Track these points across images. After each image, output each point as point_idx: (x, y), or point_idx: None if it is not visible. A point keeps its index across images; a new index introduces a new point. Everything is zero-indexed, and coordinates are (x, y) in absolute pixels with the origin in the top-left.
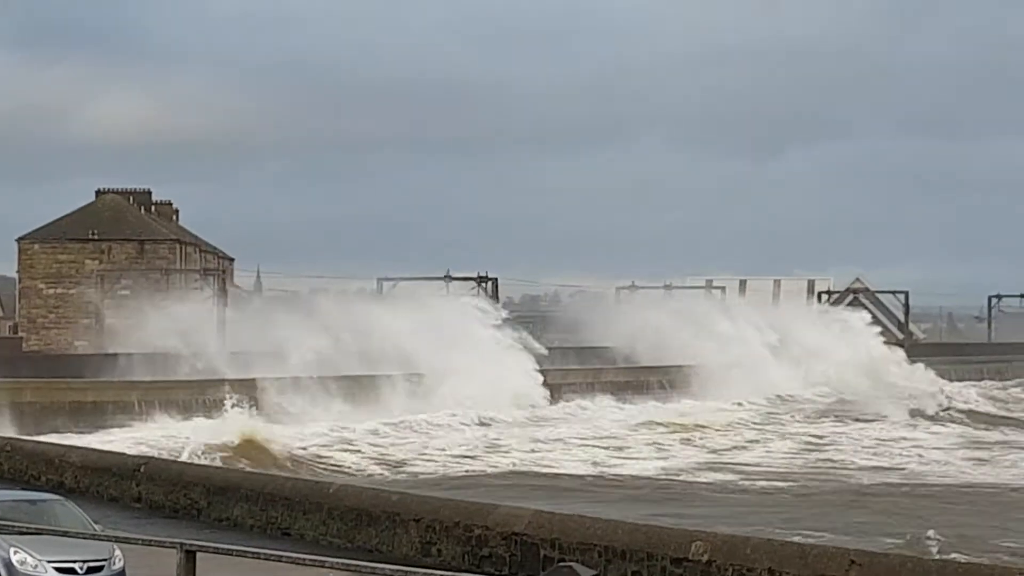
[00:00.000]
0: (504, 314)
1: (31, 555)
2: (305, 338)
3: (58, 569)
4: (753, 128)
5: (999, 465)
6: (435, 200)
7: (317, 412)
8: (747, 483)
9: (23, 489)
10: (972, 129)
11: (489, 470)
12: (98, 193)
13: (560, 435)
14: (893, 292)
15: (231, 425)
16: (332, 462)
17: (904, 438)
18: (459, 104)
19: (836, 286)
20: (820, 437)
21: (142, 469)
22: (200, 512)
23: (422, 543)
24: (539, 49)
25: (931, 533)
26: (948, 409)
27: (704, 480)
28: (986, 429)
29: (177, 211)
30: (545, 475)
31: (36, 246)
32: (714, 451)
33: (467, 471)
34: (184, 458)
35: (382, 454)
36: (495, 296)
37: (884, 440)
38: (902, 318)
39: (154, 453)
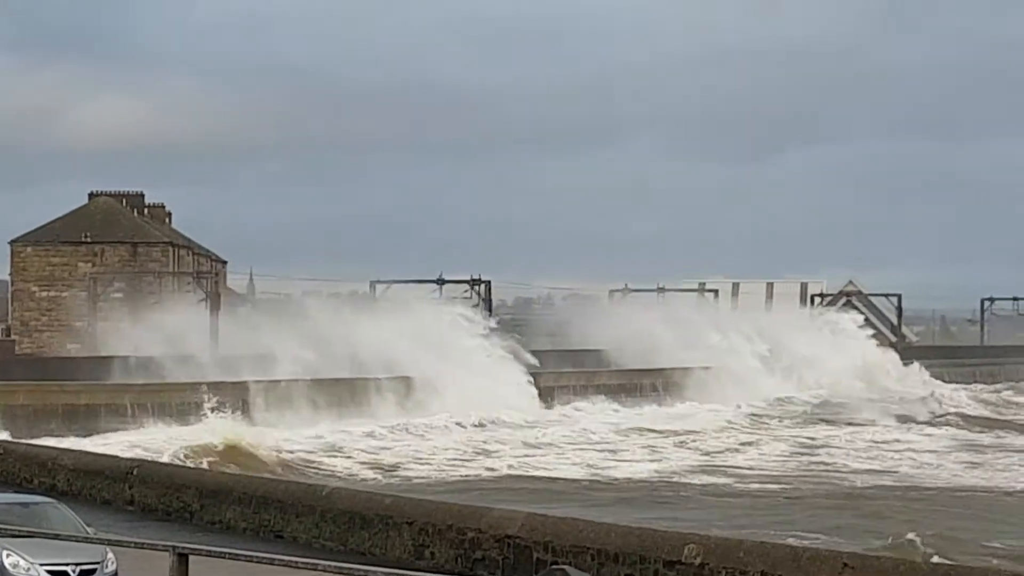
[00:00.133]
0: (492, 323)
1: (23, 558)
2: (291, 348)
3: (50, 572)
4: (748, 130)
5: (992, 468)
6: (429, 202)
7: (307, 416)
8: (740, 486)
9: (15, 492)
10: (965, 131)
11: (483, 474)
12: (91, 196)
13: (553, 439)
14: (886, 295)
15: (218, 429)
16: (323, 467)
17: (898, 440)
18: (454, 106)
19: (829, 289)
20: (813, 440)
21: (135, 472)
22: (193, 515)
23: (415, 546)
24: (534, 50)
25: (911, 535)
26: (943, 416)
27: (698, 482)
28: (978, 432)
29: (170, 214)
30: (538, 479)
31: (29, 249)
32: (707, 453)
33: (462, 476)
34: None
35: (374, 459)
36: (488, 299)
37: (878, 442)
38: (895, 321)
39: (148, 456)
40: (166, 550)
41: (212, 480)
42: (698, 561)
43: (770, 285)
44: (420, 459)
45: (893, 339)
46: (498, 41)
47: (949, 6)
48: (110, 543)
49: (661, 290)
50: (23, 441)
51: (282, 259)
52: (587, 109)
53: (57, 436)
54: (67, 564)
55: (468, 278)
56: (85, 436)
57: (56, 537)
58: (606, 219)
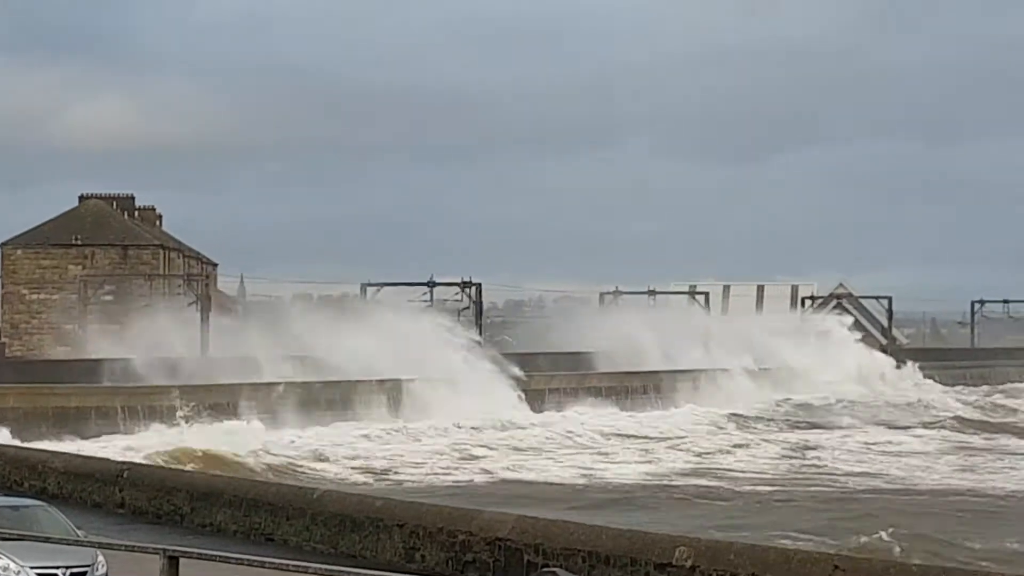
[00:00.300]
0: (474, 334)
1: (14, 561)
2: (277, 358)
3: (41, 575)
4: (743, 131)
5: (982, 471)
6: (421, 204)
7: (295, 420)
8: (732, 488)
9: (5, 495)
10: (958, 133)
11: (473, 479)
12: (81, 198)
13: (542, 443)
14: (877, 297)
15: (205, 434)
16: (311, 471)
17: (889, 442)
18: (451, 107)
19: (820, 291)
20: (804, 443)
21: (125, 475)
22: (183, 518)
23: (406, 549)
24: (532, 51)
25: (882, 534)
26: (938, 422)
27: (689, 485)
28: (969, 435)
29: (160, 216)
30: (528, 482)
31: (19, 251)
32: (698, 456)
33: (454, 481)
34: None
35: (365, 466)
36: (478, 301)
37: (869, 444)
38: (886, 323)
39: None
40: (156, 553)
41: (203, 483)
42: (689, 563)
43: (761, 288)
44: (409, 465)
45: (884, 341)
46: (495, 42)
47: (946, 7)
48: (100, 546)
49: (652, 293)
50: (13, 444)
51: (273, 261)
52: (584, 110)
53: (49, 439)
54: (57, 567)
55: (459, 281)
56: (77, 440)
57: (46, 540)
58: (599, 221)
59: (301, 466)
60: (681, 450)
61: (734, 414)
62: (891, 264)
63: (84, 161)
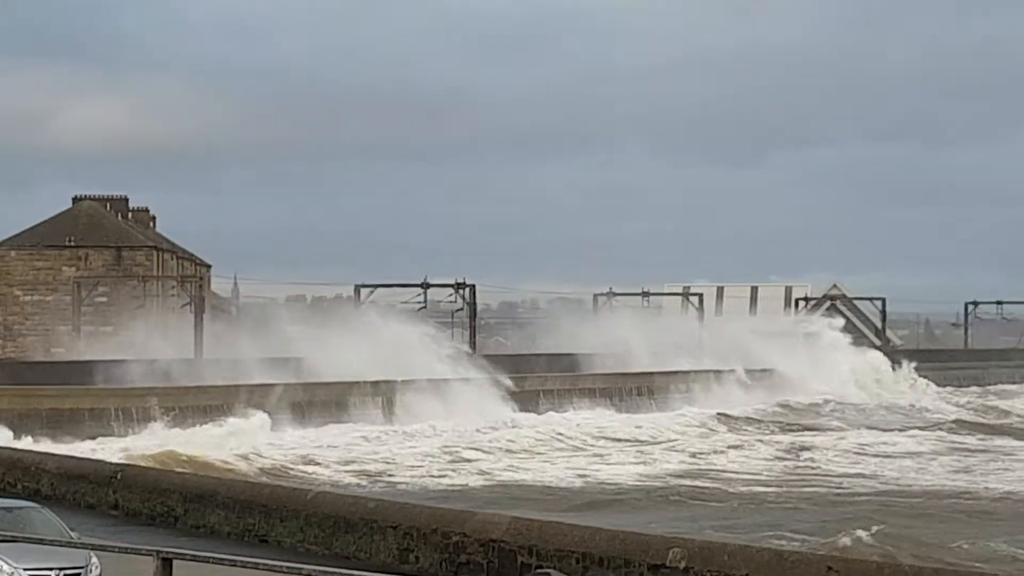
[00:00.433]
0: (464, 346)
1: (7, 563)
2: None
3: None
4: (734, 134)
5: (976, 472)
6: (415, 206)
7: (290, 422)
8: (726, 489)
9: None
10: (950, 135)
11: (467, 482)
12: (75, 200)
13: (537, 445)
14: (870, 299)
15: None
16: (303, 474)
17: (884, 443)
18: (443, 109)
19: (813, 292)
20: (798, 444)
21: (119, 476)
22: (177, 519)
23: (400, 550)
24: (518, 55)
25: (861, 533)
26: (934, 424)
27: (684, 485)
28: (963, 435)
29: (154, 218)
30: (524, 484)
31: (13, 253)
32: (693, 456)
33: (449, 484)
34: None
35: (359, 469)
36: (472, 303)
37: (864, 446)
38: (879, 324)
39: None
40: (150, 554)
41: (196, 484)
42: (683, 565)
43: (754, 289)
44: (403, 466)
45: (877, 343)
46: (490, 43)
47: (928, 11)
48: (94, 548)
49: (646, 294)
50: (6, 445)
51: (267, 263)
52: (578, 112)
53: (43, 440)
54: (51, 569)
55: (453, 282)
56: (70, 442)
57: (40, 542)
58: (593, 222)
59: (292, 469)
60: (675, 451)
61: (727, 416)
62: (885, 265)
63: (78, 163)
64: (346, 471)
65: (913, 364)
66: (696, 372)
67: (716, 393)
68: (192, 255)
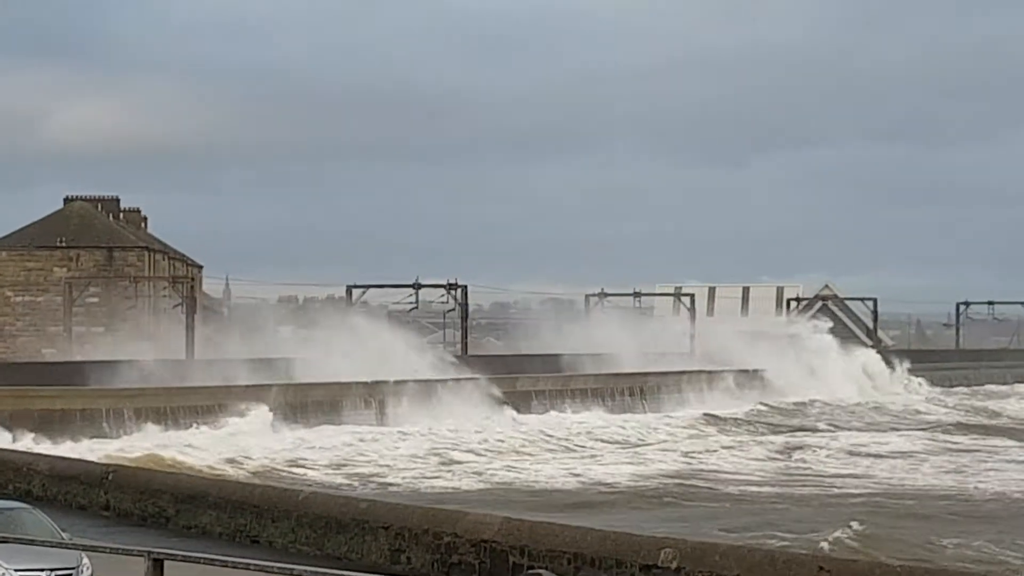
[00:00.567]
0: (449, 357)
1: None
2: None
3: None
4: (726, 135)
5: (968, 473)
6: (407, 206)
7: (282, 424)
8: (718, 489)
9: None
10: (944, 137)
11: (458, 482)
12: (66, 200)
13: (528, 446)
14: (862, 299)
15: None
16: (293, 476)
17: (876, 443)
18: (436, 110)
19: (805, 293)
20: (792, 444)
21: (110, 477)
22: (168, 520)
23: (391, 550)
24: (517, 54)
25: (841, 535)
26: (927, 426)
27: (676, 485)
28: (955, 436)
29: (146, 218)
30: (515, 485)
31: (3, 253)
32: (685, 456)
33: (442, 486)
34: None
35: (351, 472)
36: (464, 303)
37: (857, 445)
38: (871, 325)
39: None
40: (141, 555)
41: (188, 485)
42: (674, 565)
43: (746, 290)
44: (394, 468)
45: (869, 343)
46: (482, 44)
47: (928, 11)
48: (85, 548)
49: (637, 295)
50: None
51: (259, 264)
52: (570, 113)
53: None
54: (42, 570)
55: (445, 283)
56: (60, 443)
57: (31, 542)
58: (585, 223)
59: (282, 471)
60: (667, 452)
61: (718, 417)
62: (876, 266)
63: (69, 163)
64: (337, 473)
65: (906, 364)
66: (687, 373)
67: (707, 394)
68: (184, 256)
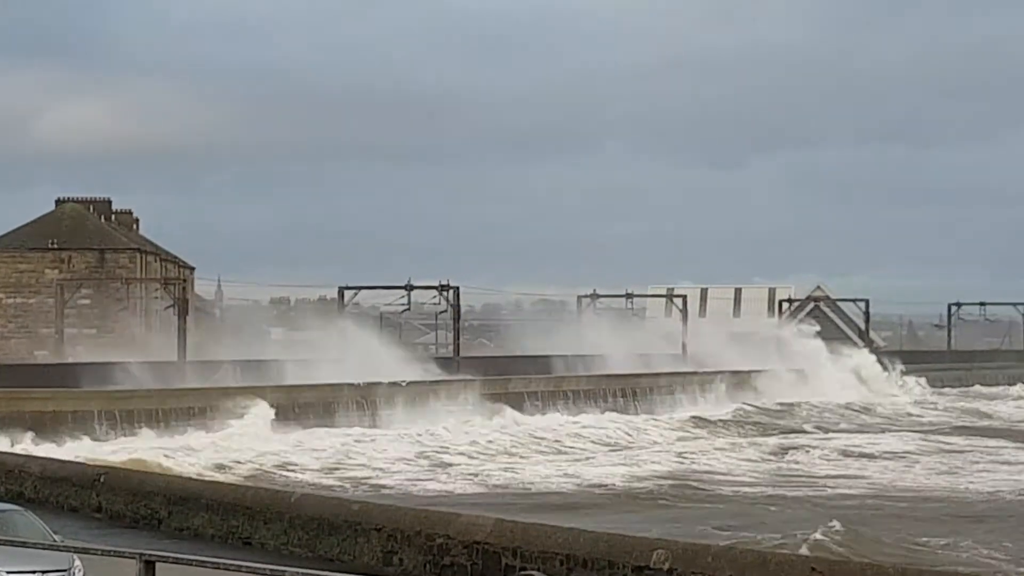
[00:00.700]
0: (435, 368)
1: None
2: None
3: None
4: (718, 136)
5: (960, 474)
6: (399, 208)
7: (274, 426)
8: (711, 490)
9: None
10: (935, 137)
11: (451, 485)
12: (58, 202)
13: (520, 447)
14: (854, 300)
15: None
16: (285, 477)
17: (869, 443)
18: (428, 111)
19: (797, 294)
20: (784, 445)
21: (102, 479)
22: (161, 522)
23: (384, 552)
24: (510, 55)
25: (817, 535)
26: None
27: (669, 486)
28: (947, 437)
29: (137, 220)
30: (507, 487)
31: None
32: (677, 457)
33: (434, 488)
34: None
35: (343, 476)
36: (456, 305)
37: (850, 447)
38: (863, 326)
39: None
40: (133, 557)
41: (180, 487)
42: (666, 566)
43: (738, 291)
44: (387, 471)
45: (861, 344)
46: (475, 45)
47: (919, 13)
48: (77, 550)
49: (629, 296)
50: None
51: (251, 265)
52: (563, 113)
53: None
54: (34, 572)
55: (437, 284)
56: (50, 444)
57: (23, 544)
58: (578, 224)
59: (273, 475)
60: (659, 453)
61: (711, 418)
62: (868, 267)
63: (61, 165)
64: (329, 475)
65: (900, 367)
66: (679, 375)
67: (700, 396)
68: (176, 257)
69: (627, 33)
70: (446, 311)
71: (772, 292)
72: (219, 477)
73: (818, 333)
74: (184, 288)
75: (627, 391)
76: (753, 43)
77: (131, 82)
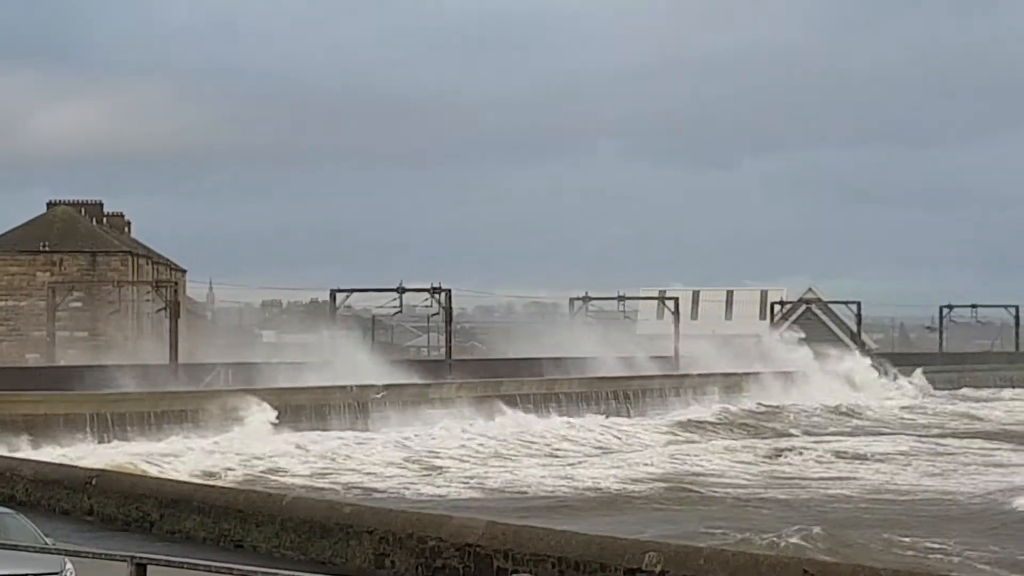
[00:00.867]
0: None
1: None
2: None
3: None
4: (710, 138)
5: (950, 476)
6: (391, 211)
7: (265, 427)
8: (703, 492)
9: None
10: (926, 139)
11: (443, 487)
12: (49, 205)
13: (513, 450)
14: (845, 302)
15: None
16: (276, 481)
17: (862, 445)
18: (414, 115)
19: (789, 296)
20: (776, 448)
21: (94, 482)
22: (152, 525)
23: (375, 555)
24: (489, 60)
25: (793, 537)
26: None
27: (661, 489)
28: (939, 439)
29: (129, 223)
30: (500, 489)
31: None
32: (669, 459)
33: (426, 491)
34: None
35: (335, 479)
36: (448, 307)
37: (842, 450)
38: (855, 328)
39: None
40: (124, 560)
41: (172, 490)
42: (658, 569)
43: (730, 293)
44: (380, 475)
45: (852, 346)
46: (467, 48)
47: (908, 13)
48: (69, 553)
49: (622, 298)
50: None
51: (243, 267)
52: (554, 116)
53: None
54: (25, 575)
55: (429, 286)
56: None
57: (14, 548)
58: (569, 227)
59: (268, 476)
60: (652, 455)
61: (704, 421)
62: (860, 269)
63: (51, 168)
64: (322, 478)
65: (896, 368)
66: (671, 378)
67: (692, 399)
68: (167, 260)
69: (626, 34)
70: (438, 314)
71: (764, 294)
72: (219, 478)
73: (802, 340)
74: (176, 291)
75: (619, 394)
76: (752, 44)
77: (124, 84)
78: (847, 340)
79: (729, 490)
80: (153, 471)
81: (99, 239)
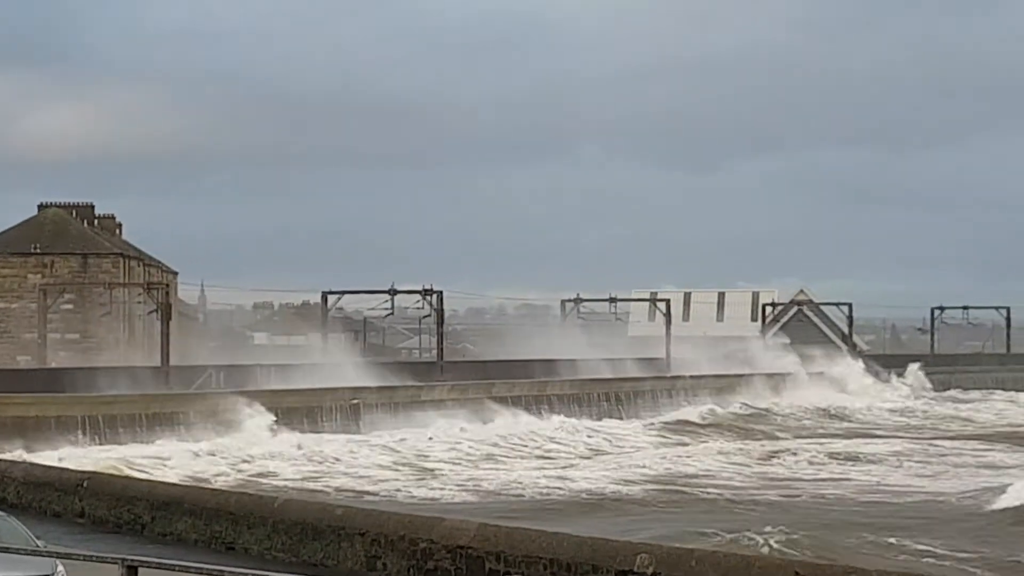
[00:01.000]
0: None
1: None
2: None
3: None
4: (701, 140)
5: (941, 478)
6: (382, 212)
7: (258, 430)
8: (696, 494)
9: None
10: (917, 141)
11: (436, 489)
12: (40, 207)
13: (505, 451)
14: (837, 304)
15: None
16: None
17: (855, 447)
18: (405, 117)
19: (780, 298)
20: (769, 450)
21: (85, 484)
22: (144, 527)
23: (367, 557)
24: (485, 62)
25: (758, 536)
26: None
27: (653, 490)
28: (931, 440)
29: (120, 225)
30: (492, 491)
31: None
32: (661, 461)
33: (416, 492)
34: None
35: (327, 482)
36: (440, 309)
37: (835, 452)
38: (846, 330)
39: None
40: (116, 562)
41: (163, 492)
42: (650, 571)
43: (722, 295)
44: (372, 478)
45: (844, 348)
46: (459, 51)
47: (908, 13)
48: (60, 556)
49: (613, 300)
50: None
51: (234, 270)
52: (544, 119)
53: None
54: None
55: (420, 288)
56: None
57: (5, 550)
58: (560, 229)
59: (260, 480)
60: (644, 457)
61: (696, 423)
62: (857, 270)
63: (42, 170)
64: (314, 480)
65: (891, 370)
66: (663, 379)
67: (683, 400)
68: (159, 262)
69: (625, 34)
70: (429, 315)
71: (755, 296)
72: (223, 479)
73: (787, 345)
74: (167, 293)
75: (611, 396)
76: (752, 44)
77: (114, 87)
78: (838, 342)
79: (722, 491)
80: (143, 474)
81: (90, 241)
